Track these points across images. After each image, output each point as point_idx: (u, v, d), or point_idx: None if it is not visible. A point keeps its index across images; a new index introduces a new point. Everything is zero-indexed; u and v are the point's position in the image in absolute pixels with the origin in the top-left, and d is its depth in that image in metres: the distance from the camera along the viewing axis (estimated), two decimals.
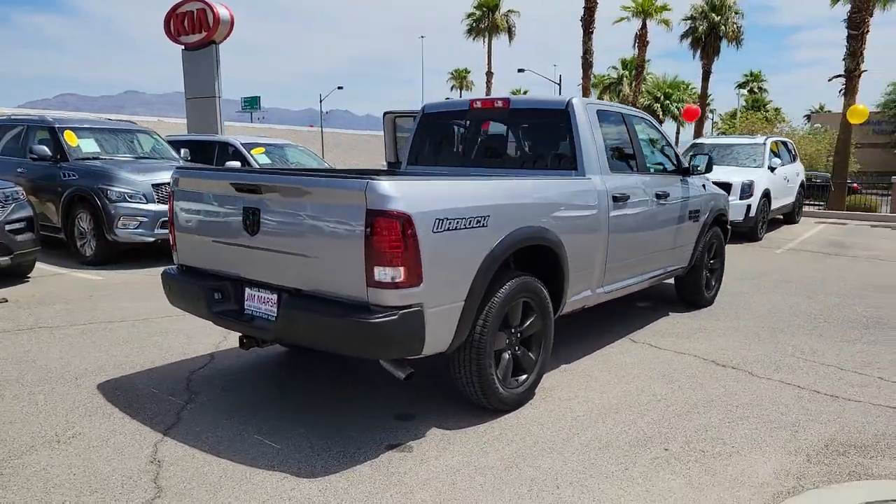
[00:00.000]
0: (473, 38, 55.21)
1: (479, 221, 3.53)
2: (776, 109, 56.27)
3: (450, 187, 3.57)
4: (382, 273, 3.13)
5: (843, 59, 19.48)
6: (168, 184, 9.03)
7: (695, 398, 4.27)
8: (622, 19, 40.94)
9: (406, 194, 3.15)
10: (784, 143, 15.13)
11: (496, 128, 5.46)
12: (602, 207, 4.68)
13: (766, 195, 12.43)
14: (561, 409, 4.05)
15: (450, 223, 3.34)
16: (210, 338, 5.40)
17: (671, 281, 6.65)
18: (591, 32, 33.27)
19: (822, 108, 65.76)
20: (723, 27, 46.88)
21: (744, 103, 63.18)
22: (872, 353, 5.33)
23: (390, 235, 3.09)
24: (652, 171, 5.69)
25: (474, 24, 55.30)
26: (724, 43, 47.79)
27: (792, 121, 37.71)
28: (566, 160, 4.81)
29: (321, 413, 3.91)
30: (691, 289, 6.71)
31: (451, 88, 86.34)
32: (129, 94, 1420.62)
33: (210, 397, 4.14)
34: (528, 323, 4.03)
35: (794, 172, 14.89)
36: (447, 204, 3.36)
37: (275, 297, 3.62)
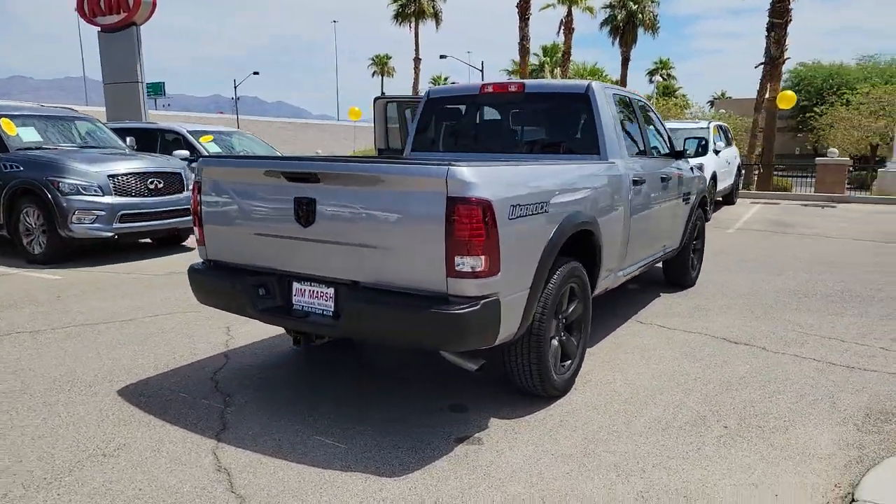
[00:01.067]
0: (400, 24, 54.63)
1: (541, 207, 3.48)
2: (683, 96, 58.69)
3: (517, 173, 3.49)
4: (463, 263, 3.03)
5: (766, 47, 20.48)
6: (124, 175, 8.63)
7: (726, 376, 4.39)
8: (548, 6, 41.52)
9: (485, 180, 3.06)
10: (722, 128, 15.81)
11: (507, 112, 5.39)
12: (625, 190, 4.72)
13: (714, 178, 12.95)
14: (606, 393, 4.07)
15: (521, 210, 3.28)
16: (213, 336, 5.12)
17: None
18: (528, 18, 33.64)
19: (723, 94, 68.89)
20: (640, 15, 48.47)
21: (656, 90, 65.52)
22: (863, 325, 5.65)
23: (472, 224, 2.99)
24: (655, 154, 5.79)
25: (401, 9, 54.71)
26: (640, 31, 49.54)
27: (697, 107, 39.39)
28: (587, 144, 4.80)
29: (370, 409, 3.77)
30: (679, 269, 6.90)
31: (373, 75, 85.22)
32: (16, 79, 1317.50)
33: (247, 399, 3.91)
34: (571, 308, 4.02)
35: (733, 156, 15.62)
36: (518, 190, 3.29)
37: (331, 290, 3.45)
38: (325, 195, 3.34)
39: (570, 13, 40.91)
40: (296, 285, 3.58)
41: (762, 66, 20.53)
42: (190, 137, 11.96)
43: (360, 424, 3.57)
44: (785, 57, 19.96)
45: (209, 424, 3.55)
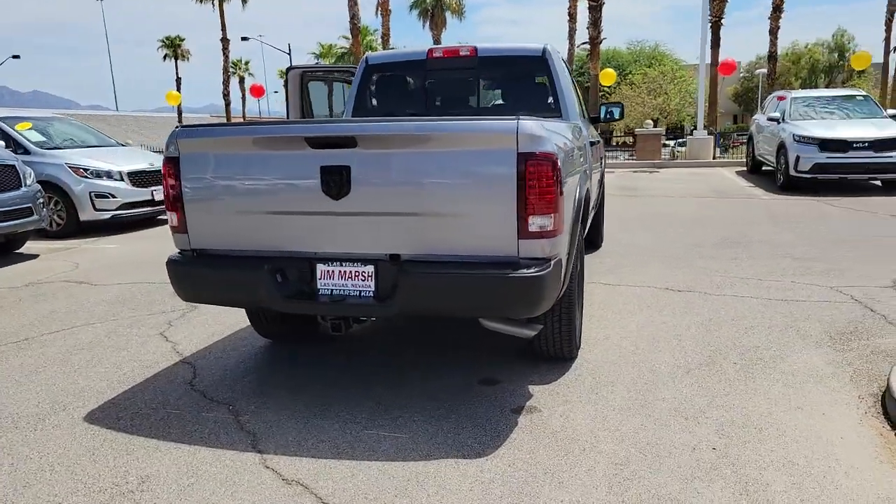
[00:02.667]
0: (201, 2, 50.86)
1: (576, 164, 3.43)
2: None
3: (561, 129, 3.38)
4: (535, 223, 2.89)
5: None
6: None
7: (697, 320, 4.69)
8: None
9: (549, 135, 2.93)
10: None
11: (458, 79, 5.23)
12: (587, 150, 4.81)
13: None
14: (613, 349, 4.15)
15: (567, 166, 3.20)
16: (152, 345, 4.44)
17: None
18: None
19: None
20: (447, 0, 49.95)
21: None
22: (762, 265, 6.33)
23: (544, 181, 2.85)
24: (585, 116, 5.97)
25: None
26: (448, 14, 51.07)
27: None
28: (548, 108, 4.82)
29: (397, 396, 3.49)
30: (595, 230, 7.22)
31: (165, 58, 78.67)
32: None
33: (252, 405, 3.43)
34: (579, 268, 4.03)
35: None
36: (567, 146, 3.20)
37: (369, 269, 3.11)
38: (362, 161, 2.99)
39: None
40: (321, 268, 3.18)
41: (584, 45, 22.18)
42: (5, 126, 10.18)
43: (402, 412, 3.29)
44: (601, 37, 21.73)
45: (235, 438, 3.05)
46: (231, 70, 57.27)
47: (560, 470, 2.71)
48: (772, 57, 30.91)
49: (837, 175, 11.35)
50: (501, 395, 3.46)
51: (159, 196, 10.18)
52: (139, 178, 10.19)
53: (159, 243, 8.39)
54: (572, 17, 32.06)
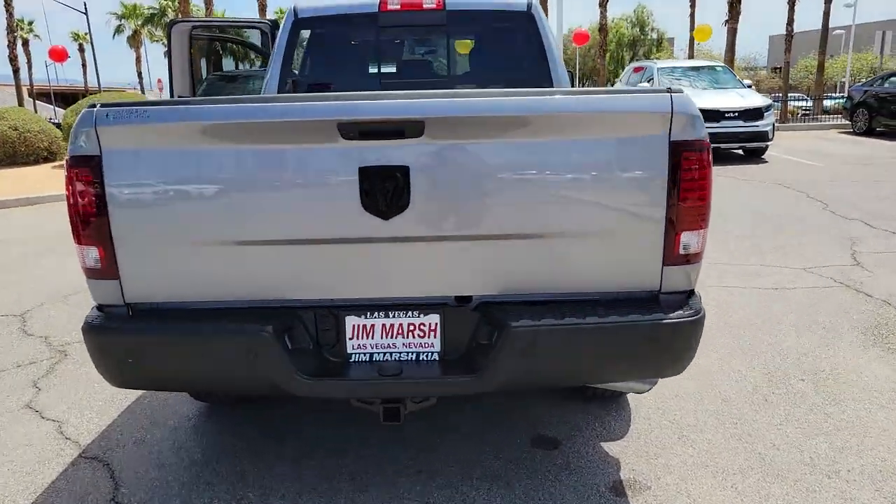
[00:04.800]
0: None
1: None
2: None
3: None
4: (685, 241, 2.01)
5: None
6: None
7: (707, 322, 4.11)
8: None
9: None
10: None
11: (420, 39, 4.14)
12: None
13: None
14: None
15: None
16: (9, 434, 2.99)
17: None
18: None
19: None
20: None
21: None
22: (711, 248, 5.97)
23: (700, 182, 1.98)
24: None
25: None
26: None
27: None
28: (535, 77, 3.91)
29: (432, 462, 2.48)
30: None
31: None
32: None
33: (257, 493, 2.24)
34: None
35: None
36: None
37: (432, 319, 2.06)
38: (430, 159, 1.91)
39: None
40: (352, 321, 2.07)
41: None
42: None
43: (461, 482, 2.31)
44: None
45: None
46: None
47: None
48: (602, 29, 32.28)
49: (713, 144, 11.63)
50: (577, 464, 2.58)
51: None
52: None
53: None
54: None
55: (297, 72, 4.02)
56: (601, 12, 31.34)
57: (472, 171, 1.94)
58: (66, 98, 45.70)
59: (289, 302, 2.05)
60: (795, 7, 27.89)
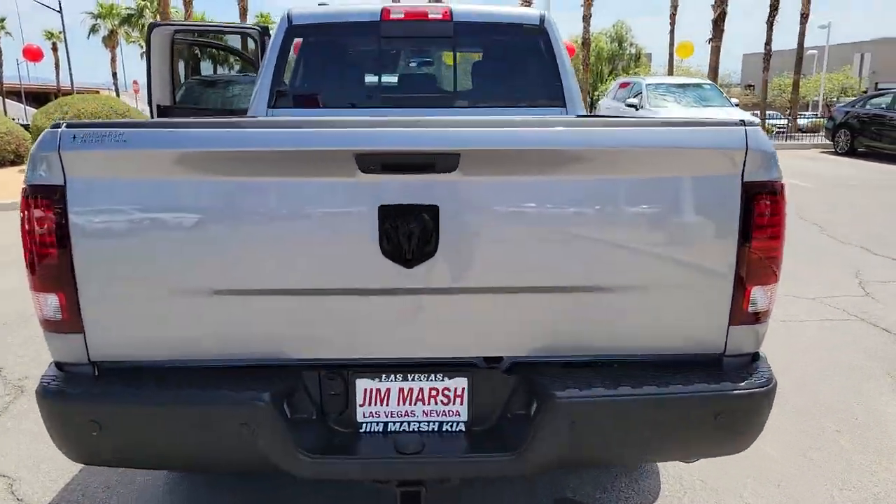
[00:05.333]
0: None
1: None
2: None
3: None
4: (755, 297, 1.74)
5: None
6: None
7: None
8: None
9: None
10: None
11: (424, 51, 3.84)
12: None
13: None
14: None
15: None
16: None
17: None
18: None
19: None
20: None
21: None
22: None
23: (774, 229, 1.71)
24: None
25: None
26: None
27: None
28: (548, 95, 3.64)
29: None
30: None
31: None
32: None
33: None
34: None
35: None
36: None
37: (458, 383, 1.76)
38: (464, 197, 1.61)
39: None
40: (363, 385, 1.75)
41: None
42: None
43: None
44: None
45: None
46: None
47: None
48: (585, 43, 32.37)
49: None
50: None
51: None
52: None
53: None
54: None
55: (288, 82, 3.70)
56: (584, 27, 31.46)
57: (511, 212, 1.64)
58: (37, 97, 44.67)
59: (289, 361, 1.73)
60: (773, 27, 28.27)
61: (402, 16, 3.55)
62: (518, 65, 3.72)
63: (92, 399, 1.68)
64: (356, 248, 1.62)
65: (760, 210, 1.66)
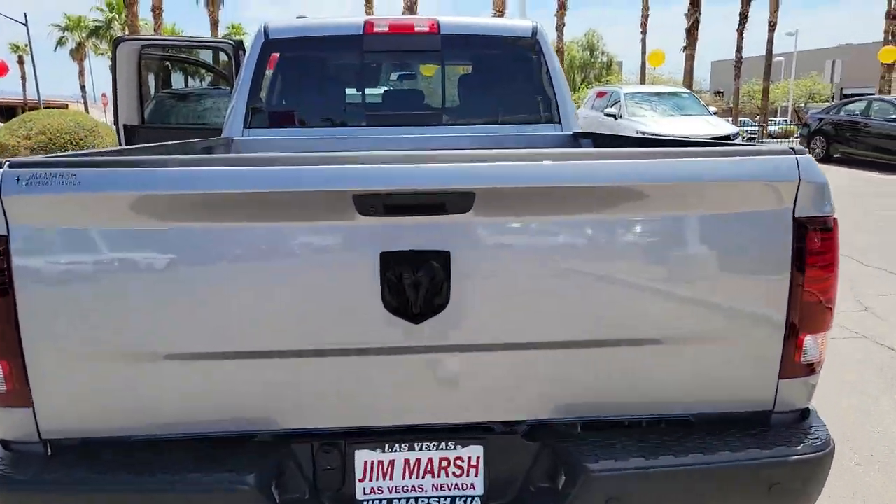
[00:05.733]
0: None
1: None
2: None
3: None
4: (812, 345, 1.55)
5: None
6: None
7: None
8: None
9: None
10: None
11: (407, 66, 3.63)
12: None
13: None
14: None
15: None
16: None
17: None
18: None
19: None
20: None
21: None
22: None
23: (831, 267, 1.51)
24: None
25: None
26: None
27: None
28: (541, 109, 3.46)
29: None
30: None
31: None
32: None
33: None
34: None
35: None
36: None
37: (474, 452, 1.53)
38: (480, 242, 1.40)
39: None
40: (363, 457, 1.52)
41: None
42: None
43: None
44: None
45: None
46: None
47: None
48: (559, 52, 32.56)
49: None
50: None
51: None
52: None
53: None
54: (368, 1, 30.71)
55: (265, 100, 3.47)
56: (558, 36, 31.62)
57: (534, 257, 1.43)
58: (3, 111, 43.69)
59: (278, 432, 1.49)
60: (744, 35, 28.66)
61: (386, 29, 3.34)
62: (510, 79, 3.53)
63: (42, 485, 1.42)
64: (355, 301, 1.39)
65: (814, 248, 1.46)
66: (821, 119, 15.83)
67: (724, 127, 11.71)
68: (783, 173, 1.44)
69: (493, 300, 1.43)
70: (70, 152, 1.53)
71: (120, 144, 4.03)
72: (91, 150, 1.66)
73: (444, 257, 1.38)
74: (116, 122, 4.00)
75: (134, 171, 1.35)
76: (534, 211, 1.40)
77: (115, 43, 3.87)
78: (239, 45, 4.08)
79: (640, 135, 11.40)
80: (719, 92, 49.33)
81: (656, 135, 10.92)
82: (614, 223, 1.43)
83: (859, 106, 14.95)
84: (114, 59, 3.87)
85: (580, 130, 3.47)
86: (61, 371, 1.42)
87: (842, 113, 15.45)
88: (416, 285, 1.38)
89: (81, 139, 11.61)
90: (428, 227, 1.37)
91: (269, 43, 3.37)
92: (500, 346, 1.45)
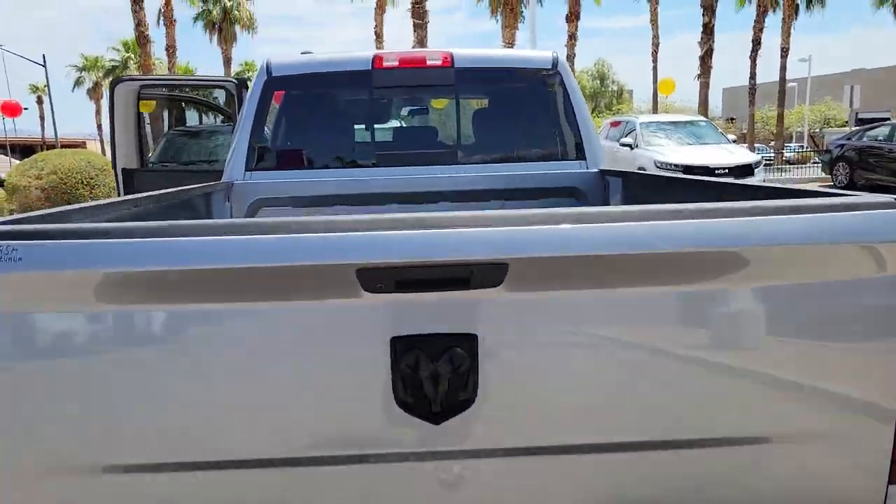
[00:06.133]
0: None
1: None
2: None
3: None
4: None
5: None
6: None
7: None
8: None
9: None
10: None
11: (420, 101, 3.41)
12: None
13: None
14: None
15: None
16: None
17: None
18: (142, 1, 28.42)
19: None
20: (236, 12, 46.45)
21: None
22: None
23: None
24: None
25: None
26: (238, 28, 47.57)
27: None
28: (565, 145, 3.22)
29: None
30: None
31: None
32: None
33: None
34: None
35: None
36: None
37: None
38: (513, 323, 1.13)
39: (169, 2, 36.44)
40: None
41: None
42: None
43: None
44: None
45: None
46: None
47: None
48: None
49: None
50: None
51: None
52: None
53: None
54: (378, 36, 31.03)
55: (269, 140, 3.26)
56: (570, 65, 31.73)
57: (580, 341, 1.15)
58: (24, 150, 44.47)
59: None
60: (757, 62, 28.56)
61: (396, 63, 3.12)
62: (529, 114, 3.30)
63: None
64: (361, 398, 1.12)
65: None
66: (842, 145, 15.49)
67: (745, 155, 11.43)
68: (887, 232, 1.16)
69: (530, 394, 1.15)
70: (15, 216, 1.29)
71: (118, 190, 3.85)
72: (44, 212, 1.42)
73: (469, 342, 1.10)
74: (114, 167, 3.81)
75: (83, 244, 1.09)
76: (580, 284, 1.13)
77: (112, 84, 3.70)
78: (242, 83, 3.89)
79: (659, 165, 11.15)
80: (731, 118, 49.15)
81: (689, 164, 10.64)
82: (684, 298, 1.15)
83: (883, 131, 14.61)
84: (111, 101, 3.69)
85: (606, 167, 3.22)
86: (18, 486, 1.15)
87: (864, 139, 15.11)
88: (435, 377, 1.11)
89: (92, 178, 11.54)
90: (449, 305, 1.11)
91: (272, 80, 3.17)
92: (540, 449, 1.17)
